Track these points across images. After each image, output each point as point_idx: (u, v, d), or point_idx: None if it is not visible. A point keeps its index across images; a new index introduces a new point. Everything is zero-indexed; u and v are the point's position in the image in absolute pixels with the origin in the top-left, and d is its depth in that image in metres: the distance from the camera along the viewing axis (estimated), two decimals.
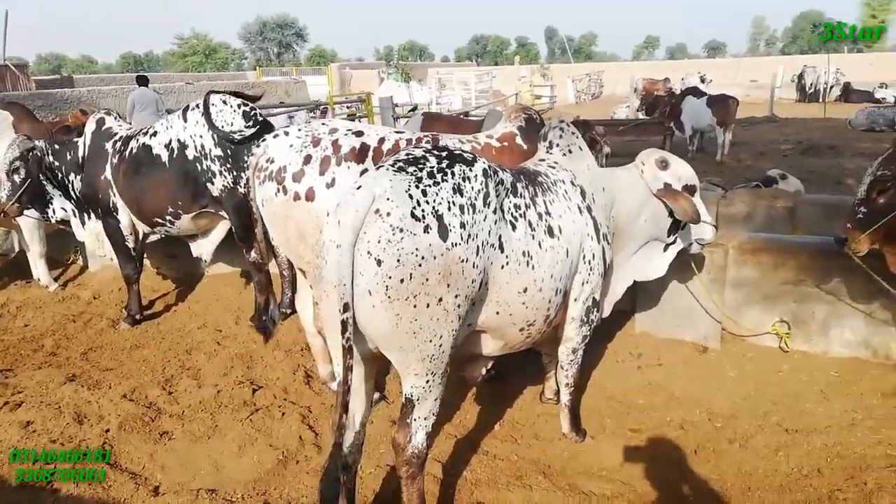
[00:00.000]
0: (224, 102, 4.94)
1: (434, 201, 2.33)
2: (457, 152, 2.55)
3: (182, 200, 5.00)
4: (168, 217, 5.09)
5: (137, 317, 5.53)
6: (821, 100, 26.54)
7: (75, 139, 5.53)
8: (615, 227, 3.43)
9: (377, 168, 2.45)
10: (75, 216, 5.66)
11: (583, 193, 3.19)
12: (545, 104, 26.74)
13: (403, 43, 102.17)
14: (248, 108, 4.93)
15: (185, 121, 4.92)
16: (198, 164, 4.87)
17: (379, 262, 2.25)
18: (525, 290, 2.71)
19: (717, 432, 3.64)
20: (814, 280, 4.26)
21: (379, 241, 2.24)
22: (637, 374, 4.30)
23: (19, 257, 7.20)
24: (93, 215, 5.55)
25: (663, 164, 3.49)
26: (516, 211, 2.73)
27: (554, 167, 3.20)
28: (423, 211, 2.30)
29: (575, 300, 3.18)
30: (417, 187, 2.34)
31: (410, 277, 2.27)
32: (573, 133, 3.37)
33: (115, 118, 5.44)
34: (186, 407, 3.98)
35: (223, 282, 6.15)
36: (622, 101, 28.77)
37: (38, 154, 5.24)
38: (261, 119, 4.97)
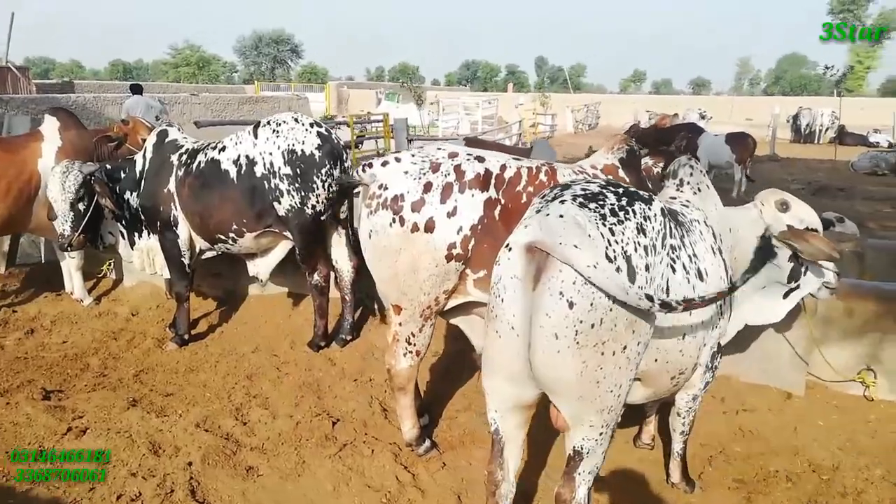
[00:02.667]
0: (296, 120, 4.80)
1: (622, 241, 2.21)
2: (631, 189, 2.43)
3: (247, 218, 4.83)
4: (231, 234, 4.90)
5: (186, 337, 5.30)
6: (816, 141, 27.09)
7: (133, 156, 5.35)
8: (734, 269, 3.33)
9: (554, 201, 2.31)
10: (123, 238, 5.45)
11: (714, 234, 3.09)
12: (546, 133, 26.88)
13: (395, 65, 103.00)
14: (322, 129, 4.80)
15: (256, 137, 4.77)
16: (265, 182, 4.71)
17: (571, 305, 2.11)
18: (683, 337, 2.59)
19: (825, 486, 3.52)
20: None
21: (574, 282, 2.11)
22: (724, 420, 4.17)
23: (46, 268, 6.95)
24: (145, 232, 5.34)
25: (784, 207, 3.40)
26: (673, 252, 2.61)
27: (687, 206, 3.10)
28: (614, 251, 2.17)
29: (703, 345, 3.06)
30: (604, 225, 2.21)
31: (601, 322, 2.13)
32: (700, 171, 3.27)
33: (179, 130, 5.26)
34: (265, 440, 3.77)
35: (270, 303, 5.95)
36: (618, 132, 29.13)
37: (100, 177, 5.01)
38: (336, 140, 4.83)
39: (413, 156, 3.30)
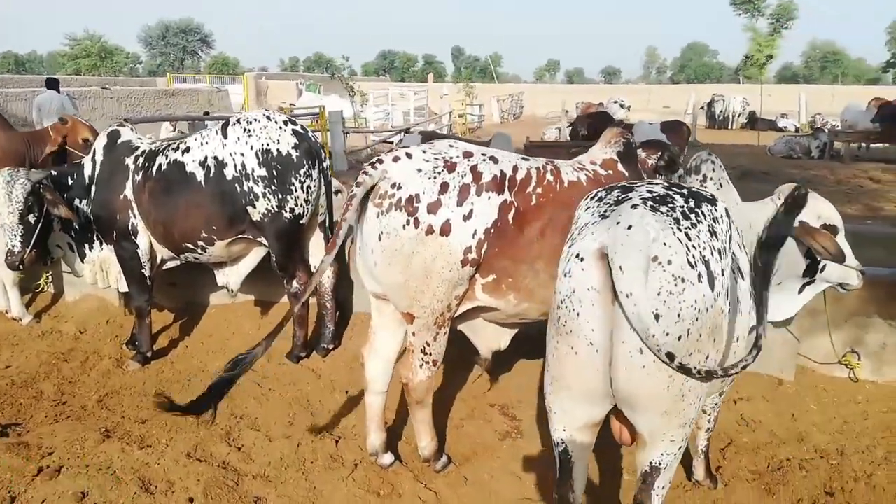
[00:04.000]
0: (268, 118, 4.48)
1: (699, 246, 2.10)
2: (695, 189, 2.33)
3: (217, 225, 4.47)
4: (200, 243, 4.53)
5: (148, 355, 4.89)
6: (729, 126, 28.38)
7: (81, 160, 4.86)
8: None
9: (624, 205, 2.18)
10: (72, 250, 4.95)
11: (737, 230, 3.05)
12: (474, 123, 26.91)
13: (310, 55, 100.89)
14: (297, 127, 4.49)
15: (225, 137, 4.41)
16: (237, 185, 4.37)
17: (657, 317, 1.98)
18: (737, 340, 2.52)
19: (837, 472, 3.57)
20: (885, 311, 4.34)
21: (659, 293, 1.98)
22: (724, 409, 4.17)
23: None
24: (97, 243, 4.87)
25: None
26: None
27: None
28: (694, 257, 2.06)
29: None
30: (679, 230, 2.10)
31: (687, 334, 2.02)
32: (720, 165, 3.22)
33: (133, 130, 4.81)
34: (267, 465, 3.48)
35: (234, 313, 5.58)
36: (542, 121, 29.58)
37: (48, 184, 4.51)
38: (313, 138, 4.54)
39: (424, 152, 3.10)
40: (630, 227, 2.05)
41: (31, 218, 4.42)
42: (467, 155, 3.10)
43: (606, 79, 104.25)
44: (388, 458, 3.47)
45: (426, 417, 3.36)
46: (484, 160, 3.09)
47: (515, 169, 3.15)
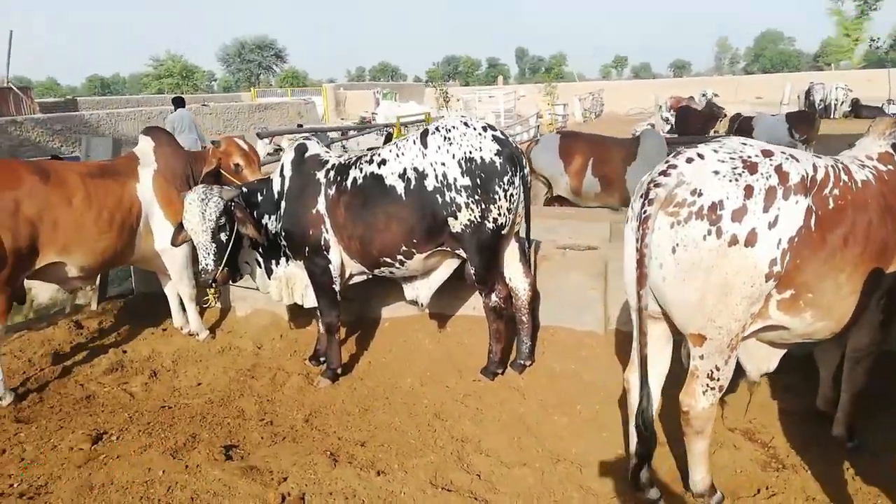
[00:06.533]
0: (466, 125, 4.28)
1: None
2: None
3: (418, 238, 4.29)
4: (399, 257, 4.37)
5: (339, 371, 4.77)
6: (831, 115, 26.87)
7: (269, 176, 4.81)
8: None
9: None
10: (260, 266, 4.88)
11: None
12: (559, 123, 26.44)
13: (375, 64, 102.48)
14: (496, 132, 4.28)
15: (425, 147, 4.23)
16: (438, 196, 4.18)
17: None
18: None
19: None
20: None
21: None
22: None
23: (140, 300, 6.38)
24: (283, 259, 4.79)
25: None
26: None
27: None
28: None
29: None
30: None
31: None
32: None
33: (319, 143, 4.71)
34: (517, 497, 3.25)
35: (408, 327, 5.40)
36: (625, 119, 28.78)
37: (240, 202, 4.45)
38: (513, 143, 4.32)
39: (717, 152, 2.83)
40: None
41: (223, 236, 4.37)
42: (767, 154, 2.82)
43: (676, 73, 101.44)
44: (654, 493, 3.18)
45: (703, 449, 3.05)
46: (787, 159, 2.81)
47: (815, 168, 2.86)
